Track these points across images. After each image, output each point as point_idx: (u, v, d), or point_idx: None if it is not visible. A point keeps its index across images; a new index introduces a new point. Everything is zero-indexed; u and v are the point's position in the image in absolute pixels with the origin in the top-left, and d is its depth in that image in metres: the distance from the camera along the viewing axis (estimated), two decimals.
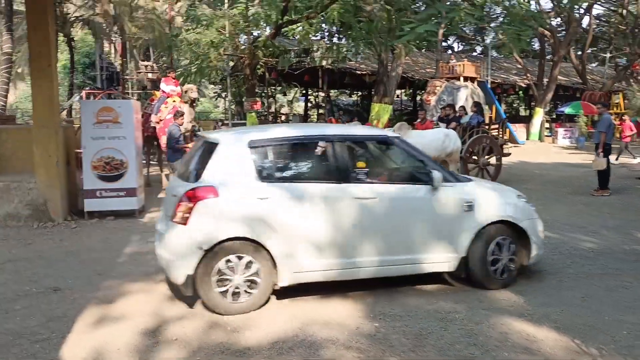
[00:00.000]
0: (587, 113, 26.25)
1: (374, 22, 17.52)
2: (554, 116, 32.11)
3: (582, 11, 27.32)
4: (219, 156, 4.62)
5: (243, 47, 18.49)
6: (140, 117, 9.93)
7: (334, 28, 20.40)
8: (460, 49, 39.61)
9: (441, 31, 21.23)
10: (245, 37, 18.92)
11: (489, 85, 24.15)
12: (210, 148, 4.77)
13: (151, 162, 12.71)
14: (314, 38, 21.14)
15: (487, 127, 12.46)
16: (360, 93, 36.17)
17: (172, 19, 23.28)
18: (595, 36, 31.63)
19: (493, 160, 11.88)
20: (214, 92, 29.39)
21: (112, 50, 28.22)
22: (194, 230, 4.41)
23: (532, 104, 38.82)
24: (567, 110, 26.81)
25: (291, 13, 17.10)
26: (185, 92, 10.90)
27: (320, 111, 30.59)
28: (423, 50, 29.54)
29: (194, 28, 17.85)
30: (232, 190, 4.52)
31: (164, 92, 11.32)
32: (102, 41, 24.30)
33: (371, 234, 4.77)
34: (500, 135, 12.68)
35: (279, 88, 30.07)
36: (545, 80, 27.55)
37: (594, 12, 28.18)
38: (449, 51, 35.64)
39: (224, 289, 4.45)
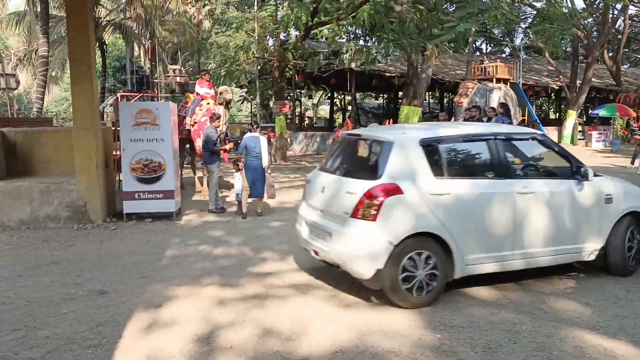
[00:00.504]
0: (623, 115, 25.55)
1: (405, 22, 17.27)
2: (584, 119, 31.39)
3: (616, 12, 26.59)
4: (396, 154, 4.74)
5: (272, 49, 18.41)
6: (176, 119, 9.89)
7: (364, 30, 20.10)
8: (488, 50, 38.97)
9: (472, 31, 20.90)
10: (274, 39, 18.85)
11: (521, 87, 23.62)
12: (380, 147, 4.93)
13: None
14: (342, 40, 20.98)
15: None
16: (385, 95, 35.86)
17: (199, 22, 23.45)
18: (629, 37, 30.80)
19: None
20: (240, 96, 29.46)
21: (142, 54, 28.55)
22: (383, 226, 4.54)
23: (563, 106, 38.18)
24: (602, 112, 26.08)
25: (321, 15, 16.94)
26: (220, 93, 10.82)
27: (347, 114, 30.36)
28: (451, 52, 29.07)
29: (224, 31, 17.81)
30: (414, 187, 4.67)
31: (198, 94, 11.26)
32: (132, 45, 24.54)
33: (530, 227, 5.01)
34: None
35: (304, 91, 30.03)
36: (578, 82, 26.87)
37: (628, 12, 27.36)
38: (477, 53, 35.12)
39: (408, 285, 4.59)
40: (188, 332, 4.19)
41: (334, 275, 5.52)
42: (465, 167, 5.19)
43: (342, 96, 32.85)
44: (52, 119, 11.34)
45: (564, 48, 12.30)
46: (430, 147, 4.88)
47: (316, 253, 5.13)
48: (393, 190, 4.58)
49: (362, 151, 5.26)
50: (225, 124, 10.65)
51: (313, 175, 5.67)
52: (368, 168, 4.98)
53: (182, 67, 24.40)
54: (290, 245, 6.93)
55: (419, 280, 4.60)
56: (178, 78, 21.10)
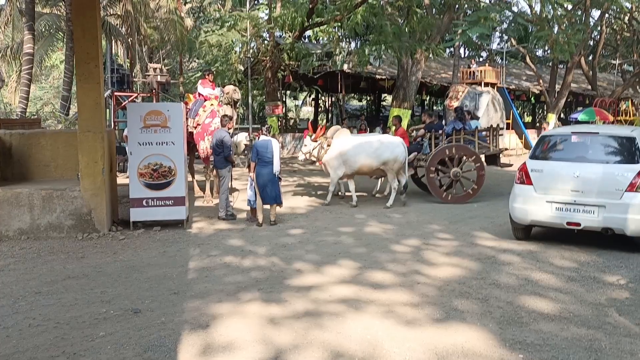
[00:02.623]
0: (602, 119, 26.07)
1: (399, 25, 17.18)
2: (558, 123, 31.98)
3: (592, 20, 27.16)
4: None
5: (265, 49, 18.03)
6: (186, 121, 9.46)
7: (354, 32, 19.91)
8: (466, 54, 39.36)
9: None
10: (269, 39, 18.46)
11: (507, 91, 23.86)
12: (624, 140, 6.72)
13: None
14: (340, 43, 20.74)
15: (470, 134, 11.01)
16: (369, 98, 35.80)
17: (181, 19, 22.80)
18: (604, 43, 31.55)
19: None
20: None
21: (120, 52, 27.64)
22: None
23: (539, 110, 38.92)
24: (581, 116, 26.50)
25: (316, 15, 16.68)
26: (227, 93, 10.41)
27: (331, 116, 30.14)
28: (435, 55, 29.22)
29: (214, 30, 17.32)
30: None
31: (201, 95, 10.82)
32: (111, 43, 23.69)
33: None
34: (491, 144, 11.30)
35: (288, 92, 29.66)
36: (557, 86, 27.35)
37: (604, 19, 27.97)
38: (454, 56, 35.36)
39: None
40: (252, 358, 3.84)
41: (380, 287, 5.27)
42: None
43: (327, 97, 32.57)
44: (40, 120, 10.73)
45: (569, 51, 12.27)
46: None
47: (575, 225, 6.60)
48: None
49: (604, 144, 6.90)
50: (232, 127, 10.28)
51: (536, 166, 7.04)
52: (622, 156, 6.64)
53: (164, 67, 23.78)
54: (320, 255, 6.64)
55: None
56: (159, 77, 20.53)
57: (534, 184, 6.95)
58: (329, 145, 10.02)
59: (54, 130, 10.87)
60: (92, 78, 7.63)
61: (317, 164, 10.53)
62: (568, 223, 6.66)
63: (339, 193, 11.11)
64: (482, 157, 10.91)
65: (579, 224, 6.59)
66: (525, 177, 7.08)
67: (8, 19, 19.20)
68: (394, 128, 11.91)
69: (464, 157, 10.48)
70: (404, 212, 9.41)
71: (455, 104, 19.28)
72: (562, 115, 30.98)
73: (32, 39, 13.49)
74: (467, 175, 10.71)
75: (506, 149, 11.96)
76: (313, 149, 10.12)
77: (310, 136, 10.24)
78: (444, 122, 12.54)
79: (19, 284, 5.57)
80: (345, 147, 9.95)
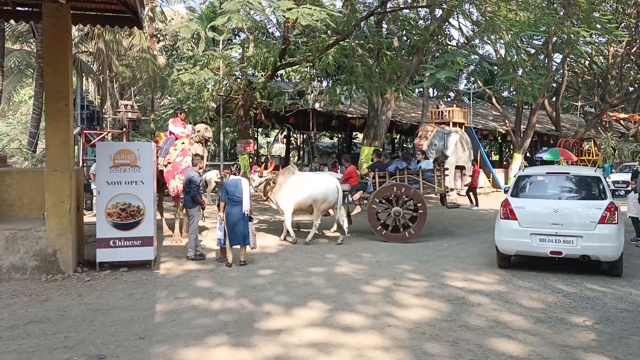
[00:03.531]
0: (566, 159, 27.00)
1: (369, 67, 17.65)
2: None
3: (555, 64, 28.47)
4: (605, 184, 7.92)
5: (237, 87, 18.21)
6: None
7: (325, 72, 20.35)
8: (435, 94, 40.51)
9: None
10: (241, 78, 18.68)
11: (474, 131, 24.54)
12: (590, 179, 8.05)
13: None
14: (312, 82, 21.15)
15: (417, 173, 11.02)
16: (340, 135, 36.29)
17: (154, 57, 22.92)
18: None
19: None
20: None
21: (90, 89, 27.50)
22: (621, 226, 7.66)
23: (506, 150, 40.04)
24: (545, 156, 27.45)
25: (289, 56, 17.03)
26: (198, 131, 10.45)
27: (302, 153, 30.38)
28: (404, 96, 30.00)
29: (187, 69, 17.47)
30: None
31: (172, 133, 10.81)
32: (82, 80, 23.57)
33: None
34: (436, 183, 11.07)
35: (260, 129, 29.82)
36: (523, 126, 28.30)
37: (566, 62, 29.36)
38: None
39: None
40: None
41: (350, 330, 5.26)
42: None
43: (298, 135, 32.88)
44: (6, 157, 10.47)
45: (532, 94, 12.84)
46: None
47: (557, 253, 7.48)
48: (615, 205, 7.52)
49: (576, 183, 8.10)
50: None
51: (519, 203, 7.91)
52: (592, 193, 7.83)
53: (135, 103, 23.69)
54: (290, 296, 6.58)
55: None
56: (130, 114, 20.42)
57: (519, 219, 7.78)
58: (274, 183, 10.43)
59: (21, 169, 10.64)
60: (61, 116, 7.56)
61: (264, 198, 10.89)
62: (551, 252, 7.54)
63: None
64: (425, 196, 11.06)
65: (560, 253, 7.50)
66: (509, 213, 7.89)
67: None
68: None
69: (405, 197, 10.56)
70: (374, 252, 9.46)
71: (425, 143, 19.69)
72: (527, 155, 31.98)
73: (1, 75, 13.34)
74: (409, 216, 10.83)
75: (452, 189, 12.03)
76: (259, 185, 10.53)
77: (257, 172, 10.77)
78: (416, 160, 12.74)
79: None
80: (286, 185, 10.38)
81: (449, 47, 18.62)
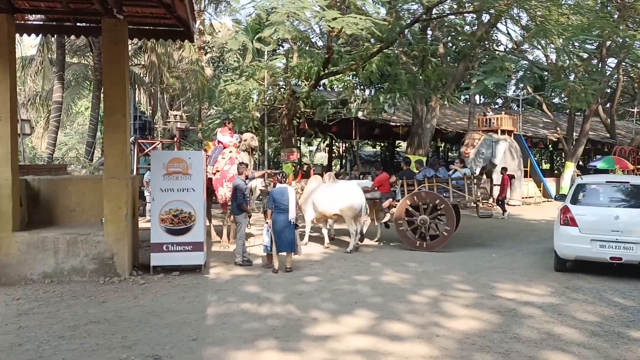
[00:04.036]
0: (621, 168, 25.90)
1: (414, 74, 17.58)
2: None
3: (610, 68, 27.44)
4: None
5: (281, 97, 18.52)
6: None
7: (371, 80, 20.39)
8: (482, 101, 39.78)
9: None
10: (285, 87, 18.99)
11: (524, 139, 23.93)
12: None
13: None
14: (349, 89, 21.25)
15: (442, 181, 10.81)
16: (384, 144, 36.15)
17: (202, 69, 23.61)
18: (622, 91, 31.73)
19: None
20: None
21: (142, 100, 28.55)
22: None
23: (557, 158, 38.79)
24: (600, 164, 26.38)
25: (331, 65, 17.17)
26: (245, 140, 10.73)
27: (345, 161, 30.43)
28: (450, 103, 29.65)
29: (234, 79, 17.91)
30: None
31: (220, 142, 11.12)
32: (135, 91, 24.55)
33: None
34: (467, 193, 10.79)
35: (302, 138, 30.15)
36: (575, 134, 27.37)
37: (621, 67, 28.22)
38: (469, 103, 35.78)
39: None
40: None
41: (398, 339, 5.26)
42: None
43: (340, 143, 32.98)
44: (67, 166, 11.07)
45: (585, 100, 12.43)
46: None
47: (617, 259, 7.81)
48: None
49: (635, 192, 8.31)
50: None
51: (579, 210, 8.24)
52: None
53: (184, 113, 24.45)
54: (336, 303, 6.64)
55: None
56: (179, 124, 21.10)
57: (579, 225, 8.17)
58: (302, 190, 10.69)
59: (81, 177, 11.20)
60: (119, 128, 7.94)
61: None
62: (611, 258, 7.88)
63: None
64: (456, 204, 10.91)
65: (620, 258, 7.84)
66: (570, 220, 8.26)
67: (39, 68, 20.12)
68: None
69: (431, 205, 10.41)
70: (420, 262, 9.38)
71: (472, 151, 19.36)
72: (580, 163, 30.90)
73: (61, 87, 14.09)
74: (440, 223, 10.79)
75: (482, 200, 11.66)
76: None
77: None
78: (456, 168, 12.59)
79: (42, 328, 5.66)
80: (311, 193, 10.65)
81: (497, 52, 18.29)
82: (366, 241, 11.35)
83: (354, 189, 10.55)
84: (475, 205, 11.59)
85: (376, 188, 11.45)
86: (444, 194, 10.59)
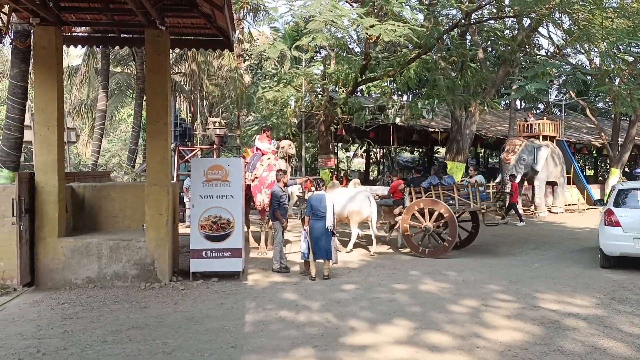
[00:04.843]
0: None
1: (453, 80, 17.34)
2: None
3: None
4: None
5: (319, 103, 18.59)
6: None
7: (409, 86, 20.23)
8: (523, 106, 38.86)
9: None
10: (322, 94, 19.06)
11: (566, 145, 23.23)
12: None
13: None
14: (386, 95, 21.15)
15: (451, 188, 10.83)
16: (422, 150, 35.78)
17: (241, 76, 23.99)
18: None
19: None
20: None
21: (183, 107, 29.21)
22: None
23: (602, 164, 37.46)
24: None
25: (369, 71, 17.14)
26: (282, 147, 10.80)
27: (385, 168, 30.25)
28: (490, 108, 29.11)
29: (271, 86, 18.10)
30: None
31: (258, 149, 11.23)
32: (176, 99, 25.15)
33: None
34: (472, 200, 10.59)
35: (340, 144, 30.17)
36: (620, 140, 26.38)
37: None
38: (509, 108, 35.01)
39: None
40: None
41: (437, 350, 5.16)
42: None
43: (378, 149, 32.84)
44: (110, 172, 11.44)
45: (631, 105, 11.97)
46: None
47: None
48: None
49: None
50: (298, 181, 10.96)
51: (622, 212, 9.13)
52: None
53: (223, 120, 24.86)
54: (374, 312, 6.58)
55: None
56: (218, 130, 21.46)
57: (622, 225, 9.03)
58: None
59: (123, 183, 11.52)
60: (160, 136, 8.13)
61: None
62: None
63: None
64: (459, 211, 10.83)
65: None
66: (614, 221, 9.12)
67: (84, 77, 20.89)
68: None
69: (436, 212, 10.50)
70: (459, 270, 9.20)
71: (513, 157, 18.89)
72: (626, 169, 29.72)
73: (105, 96, 14.57)
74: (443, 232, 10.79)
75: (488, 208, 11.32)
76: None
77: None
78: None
79: (86, 332, 5.82)
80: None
81: (538, 57, 17.85)
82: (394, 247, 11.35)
83: (364, 195, 10.87)
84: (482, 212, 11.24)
85: (391, 195, 11.60)
86: (450, 202, 10.67)
